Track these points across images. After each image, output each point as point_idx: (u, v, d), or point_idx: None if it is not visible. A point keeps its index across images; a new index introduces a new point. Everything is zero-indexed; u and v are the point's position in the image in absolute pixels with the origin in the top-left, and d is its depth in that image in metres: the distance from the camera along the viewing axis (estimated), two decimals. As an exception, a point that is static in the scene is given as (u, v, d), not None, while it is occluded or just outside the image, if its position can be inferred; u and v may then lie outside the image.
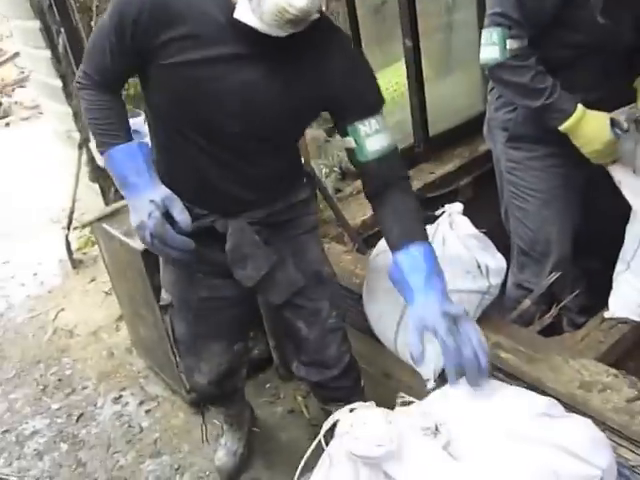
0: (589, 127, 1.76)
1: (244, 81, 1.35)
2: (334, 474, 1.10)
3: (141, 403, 2.54)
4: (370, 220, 2.36)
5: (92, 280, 3.54)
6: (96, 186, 3.30)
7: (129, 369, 2.75)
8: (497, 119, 2.06)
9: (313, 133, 3.66)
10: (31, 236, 4.19)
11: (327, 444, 1.13)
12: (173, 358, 2.28)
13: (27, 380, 2.85)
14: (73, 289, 3.50)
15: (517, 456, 1.07)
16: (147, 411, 2.50)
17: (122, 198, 1.59)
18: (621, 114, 1.78)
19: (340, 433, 1.07)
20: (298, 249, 1.65)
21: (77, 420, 2.54)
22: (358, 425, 1.06)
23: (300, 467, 1.14)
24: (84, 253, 3.82)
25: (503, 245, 1.98)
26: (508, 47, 1.73)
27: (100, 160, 3.06)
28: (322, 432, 1.10)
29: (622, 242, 1.82)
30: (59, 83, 3.29)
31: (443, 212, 1.71)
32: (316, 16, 1.25)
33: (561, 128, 1.77)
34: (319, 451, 1.14)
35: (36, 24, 3.26)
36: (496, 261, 1.66)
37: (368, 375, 2.03)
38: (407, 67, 2.56)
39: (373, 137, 1.41)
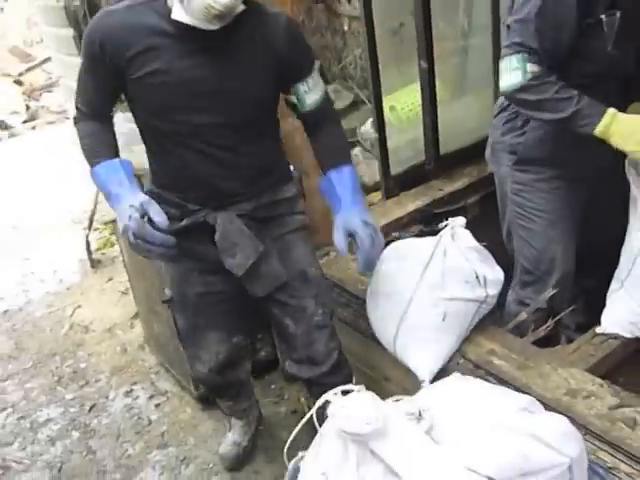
0: (623, 126, 1.74)
1: (202, 76, 1.56)
2: (325, 451, 1.21)
3: (151, 397, 2.65)
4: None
5: (109, 279, 3.66)
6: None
7: (141, 365, 2.86)
8: (504, 143, 2.13)
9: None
10: (53, 235, 4.33)
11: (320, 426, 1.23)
12: (184, 354, 2.39)
13: (43, 371, 2.97)
14: (91, 287, 3.63)
15: (493, 442, 1.17)
16: (156, 405, 2.60)
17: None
18: None
19: (332, 413, 1.17)
20: (283, 248, 1.79)
21: (89, 410, 2.65)
22: (348, 405, 1.17)
23: (289, 441, 1.26)
24: (103, 253, 3.95)
25: (505, 262, 2.08)
26: (529, 70, 1.77)
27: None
28: (314, 409, 1.20)
29: (617, 262, 1.90)
30: (89, 89, 3.43)
31: (446, 225, 1.81)
32: (241, 8, 1.51)
33: (595, 132, 1.75)
34: (311, 435, 1.25)
35: (69, 32, 3.42)
36: (494, 273, 1.76)
37: (369, 378, 2.12)
38: (421, 88, 2.66)
39: (310, 93, 1.71)
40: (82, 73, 1.65)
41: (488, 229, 2.30)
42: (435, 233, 1.82)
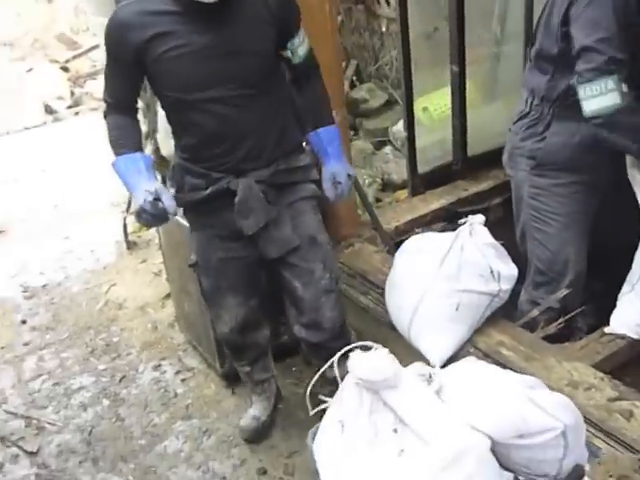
0: None
1: (214, 41, 1.76)
2: (343, 400, 1.37)
3: (178, 372, 2.79)
4: (403, 226, 2.56)
5: (143, 261, 3.82)
6: (157, 175, 3.60)
7: (170, 342, 3.00)
8: (524, 148, 2.21)
9: (360, 145, 3.90)
10: (92, 217, 4.51)
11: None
12: (212, 332, 2.53)
13: (78, 343, 3.13)
14: (126, 267, 3.79)
15: (494, 404, 1.31)
16: (182, 380, 2.74)
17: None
18: None
19: (351, 366, 1.32)
20: (296, 214, 1.99)
21: (120, 381, 2.80)
22: (365, 358, 1.32)
23: (310, 386, 1.44)
24: (139, 236, 4.10)
25: (521, 262, 2.18)
26: (625, 90, 1.79)
27: (164, 149, 3.37)
28: (335, 358, 1.37)
29: (627, 266, 1.98)
30: (134, 78, 3.60)
31: (466, 222, 1.91)
32: None
33: None
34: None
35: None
36: (509, 269, 1.85)
37: (385, 365, 2.23)
38: (452, 92, 2.76)
39: (301, 46, 1.95)
40: (107, 68, 1.87)
41: (510, 230, 2.39)
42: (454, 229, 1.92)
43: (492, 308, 1.86)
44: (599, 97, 1.81)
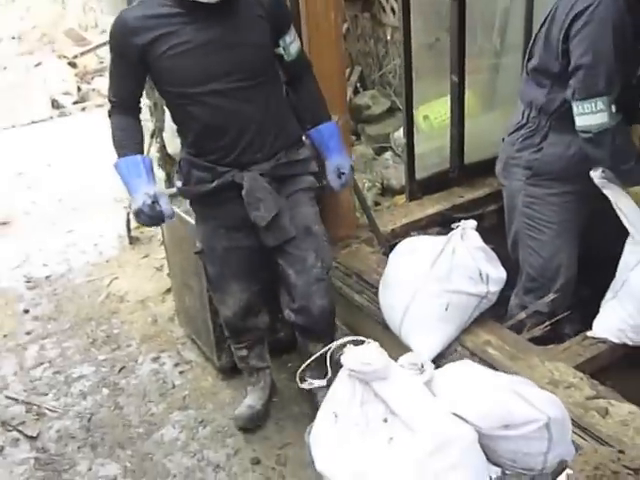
0: None
1: (213, 36, 1.88)
2: (337, 392, 1.46)
3: (176, 365, 2.87)
4: (399, 230, 2.64)
5: (145, 256, 3.90)
6: (161, 173, 3.68)
7: (169, 335, 3.08)
8: (520, 158, 2.29)
9: (362, 150, 3.99)
10: (95, 211, 4.59)
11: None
12: (211, 326, 2.61)
13: (79, 333, 3.21)
14: (128, 262, 3.87)
15: (481, 395, 1.40)
16: (181, 372, 2.82)
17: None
18: None
19: (344, 358, 1.41)
20: (294, 205, 2.11)
21: (119, 371, 2.87)
22: (357, 351, 1.41)
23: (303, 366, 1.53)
24: (141, 232, 4.18)
25: (511, 264, 2.26)
26: (613, 111, 1.92)
27: (170, 147, 3.46)
28: (333, 345, 1.46)
29: (613, 273, 2.06)
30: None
31: (458, 226, 1.99)
32: None
33: (630, 190, 2.00)
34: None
35: (129, 23, 3.68)
36: (497, 272, 1.93)
37: (377, 362, 2.31)
38: (451, 101, 2.85)
39: (293, 43, 2.07)
40: (111, 68, 1.99)
41: (503, 237, 2.48)
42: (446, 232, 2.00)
43: (480, 309, 1.95)
44: (589, 115, 1.93)
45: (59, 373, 2.91)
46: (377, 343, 1.45)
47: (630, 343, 2.04)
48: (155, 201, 1.90)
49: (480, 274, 1.89)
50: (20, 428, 2.58)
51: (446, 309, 1.87)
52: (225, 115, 1.97)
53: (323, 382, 1.56)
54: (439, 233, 2.69)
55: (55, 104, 7.64)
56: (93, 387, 2.79)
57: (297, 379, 1.57)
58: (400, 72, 3.85)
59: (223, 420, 2.51)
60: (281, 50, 2.05)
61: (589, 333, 2.03)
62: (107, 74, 6.91)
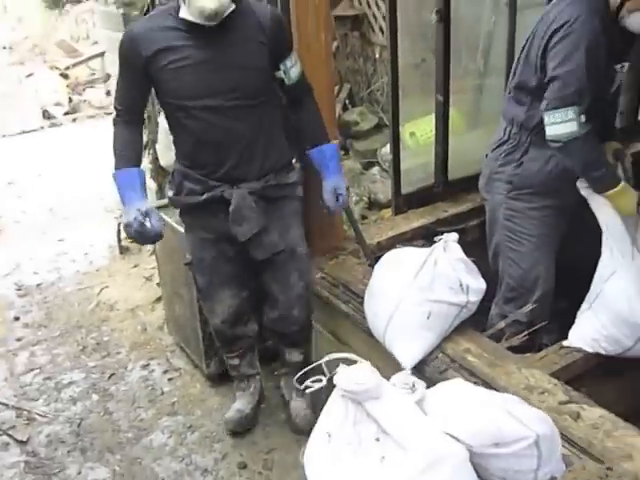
0: (625, 198, 2.10)
1: (212, 56, 1.98)
2: (330, 412, 1.49)
3: (165, 372, 2.93)
4: (385, 242, 2.73)
5: (135, 266, 3.96)
6: (152, 184, 3.75)
7: (159, 343, 3.14)
8: (503, 173, 2.40)
9: (350, 165, 4.09)
10: (86, 221, 4.65)
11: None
12: (200, 334, 2.67)
13: (69, 340, 3.26)
14: (118, 271, 3.92)
15: (472, 414, 1.44)
16: (170, 379, 2.88)
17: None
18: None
19: (337, 379, 1.45)
20: (283, 228, 2.22)
21: (109, 378, 2.93)
22: (350, 371, 1.45)
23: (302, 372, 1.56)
24: (131, 242, 4.23)
25: (491, 276, 2.36)
26: (582, 121, 2.02)
27: (163, 160, 3.53)
28: (325, 359, 1.50)
29: (589, 285, 2.16)
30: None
31: (441, 239, 2.08)
32: (232, 8, 1.94)
33: (605, 194, 2.09)
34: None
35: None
36: (477, 283, 2.02)
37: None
38: (436, 119, 2.95)
39: (293, 67, 2.15)
40: (119, 77, 2.10)
41: (484, 250, 2.57)
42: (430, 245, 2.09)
43: (461, 318, 2.03)
44: (560, 124, 2.05)
45: (49, 379, 2.96)
46: (368, 363, 1.48)
47: (604, 352, 2.13)
48: (146, 216, 2.03)
49: (461, 285, 1.98)
50: (10, 432, 2.63)
51: (428, 318, 1.96)
52: (218, 131, 2.05)
53: (323, 383, 1.55)
54: (424, 246, 2.78)
55: (46, 115, 7.70)
56: (83, 393, 2.84)
57: (294, 382, 1.64)
58: (387, 90, 3.96)
59: (211, 426, 2.57)
60: (282, 74, 2.13)
61: (564, 342, 2.12)
62: (99, 85, 6.98)
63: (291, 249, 2.23)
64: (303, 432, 2.41)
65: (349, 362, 1.53)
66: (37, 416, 2.72)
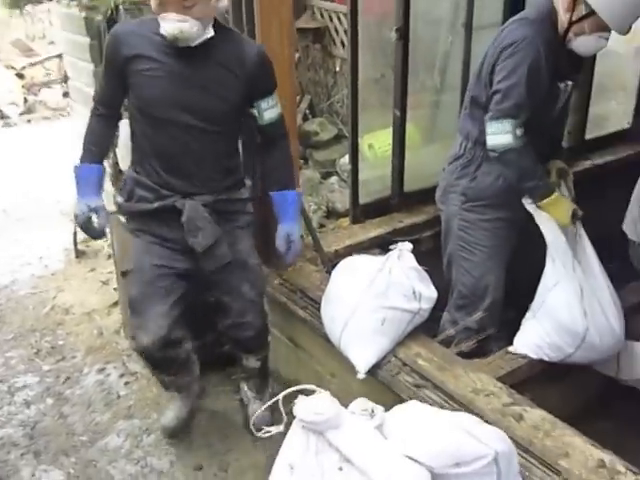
0: (559, 208, 2.26)
1: (183, 76, 2.02)
2: (291, 444, 1.49)
3: (121, 376, 2.93)
4: (342, 250, 2.80)
5: (92, 270, 3.93)
6: (111, 188, 3.73)
7: (115, 347, 3.14)
8: (458, 186, 2.52)
9: (309, 174, 4.16)
10: (41, 224, 4.59)
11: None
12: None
13: (23, 344, 3.22)
14: (74, 275, 3.89)
15: (431, 435, 1.47)
16: (126, 383, 2.88)
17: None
18: None
19: (296, 410, 1.46)
20: (232, 241, 2.23)
21: (64, 382, 2.91)
22: (308, 402, 1.45)
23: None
24: (87, 246, 4.21)
25: (444, 285, 2.46)
26: (518, 134, 2.18)
27: (123, 164, 3.53)
28: (281, 395, 1.50)
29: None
30: (96, 93, 3.76)
31: (396, 248, 2.17)
32: (209, 34, 1.98)
33: (539, 203, 2.25)
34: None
35: (86, 40, 3.76)
36: (429, 291, 2.12)
37: (317, 373, 2.46)
38: (393, 133, 3.05)
39: (269, 110, 2.16)
40: (102, 73, 2.17)
41: (437, 259, 2.68)
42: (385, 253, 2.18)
43: (413, 324, 2.12)
44: (498, 135, 2.19)
45: (2, 382, 2.93)
46: (327, 392, 1.49)
47: (547, 359, 2.26)
48: (95, 213, 2.14)
49: (414, 292, 2.07)
50: (-39, 435, 2.59)
51: (382, 323, 2.04)
52: (175, 145, 2.09)
53: (280, 428, 1.56)
54: (380, 254, 2.87)
55: (0, 114, 7.55)
56: (37, 396, 2.82)
57: (251, 427, 1.69)
58: (347, 102, 4.07)
59: (167, 429, 2.59)
60: (254, 112, 2.16)
61: (510, 348, 2.24)
62: (54, 86, 6.93)
63: (243, 260, 2.25)
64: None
65: (308, 392, 1.52)
66: (-11, 420, 2.69)
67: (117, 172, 3.58)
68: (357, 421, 1.49)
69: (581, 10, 2.16)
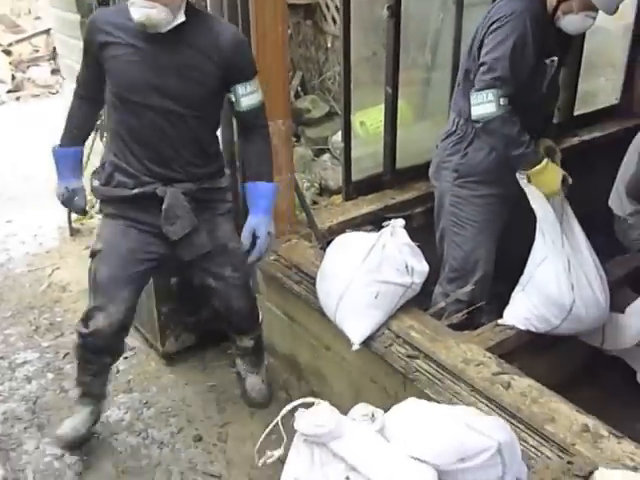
0: (549, 175, 2.30)
1: (157, 62, 2.00)
2: (295, 458, 1.50)
3: (120, 351, 2.99)
4: (336, 227, 2.86)
5: (87, 247, 3.90)
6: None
7: (113, 323, 3.18)
8: (450, 162, 2.58)
9: (301, 151, 4.19)
10: (34, 202, 4.60)
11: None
12: (155, 314, 2.75)
13: (21, 321, 3.27)
14: (69, 253, 3.92)
15: (433, 433, 1.48)
16: (125, 358, 2.91)
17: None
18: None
19: (297, 425, 1.46)
20: (212, 227, 2.24)
21: (63, 357, 2.96)
22: (309, 415, 1.46)
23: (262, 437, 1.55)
24: (82, 224, 4.24)
25: (436, 260, 2.52)
26: (502, 103, 2.22)
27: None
28: (284, 411, 1.49)
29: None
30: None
31: (389, 224, 2.22)
32: (180, 20, 1.95)
33: (530, 172, 2.28)
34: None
35: (76, 17, 3.75)
36: (421, 266, 2.18)
37: (313, 347, 2.53)
38: (385, 110, 3.09)
39: (247, 96, 2.11)
40: (82, 59, 2.17)
41: (428, 235, 2.74)
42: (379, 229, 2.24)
43: (406, 297, 2.19)
44: (482, 105, 2.24)
45: (2, 359, 2.98)
46: (327, 403, 1.49)
47: (534, 330, 2.34)
48: (74, 195, 2.25)
49: (406, 267, 2.13)
50: (-36, 411, 2.65)
51: (376, 297, 2.10)
52: (151, 130, 2.07)
53: (281, 451, 1.52)
54: (372, 231, 2.93)
55: (-12, 92, 7.49)
56: (38, 372, 2.88)
57: (255, 454, 1.54)
58: (340, 80, 4.09)
59: (167, 402, 2.66)
60: (232, 97, 2.12)
61: (499, 321, 2.32)
62: (42, 63, 6.87)
63: (222, 244, 2.25)
64: (260, 406, 2.56)
65: (307, 405, 1.50)
66: (-9, 395, 2.74)
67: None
68: (358, 427, 1.49)
69: None
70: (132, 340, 3.04)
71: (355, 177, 3.15)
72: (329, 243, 2.81)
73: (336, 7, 4.35)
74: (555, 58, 2.38)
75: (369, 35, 3.20)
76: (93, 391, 2.39)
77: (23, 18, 9.94)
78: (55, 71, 7.65)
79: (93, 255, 2.25)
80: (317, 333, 2.47)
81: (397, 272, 2.11)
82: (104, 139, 3.49)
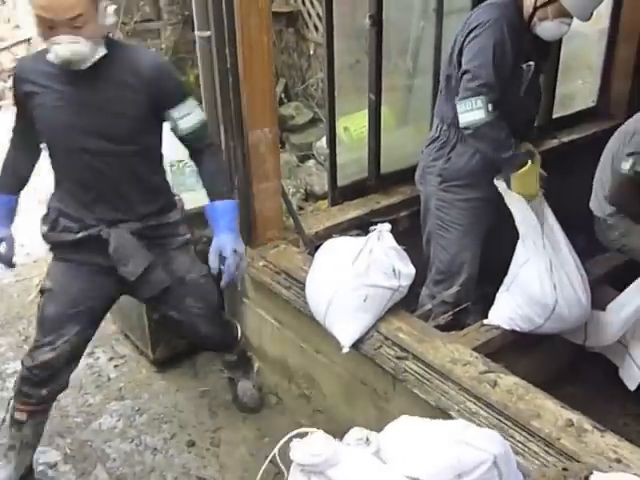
0: (531, 177, 2.38)
1: (81, 104, 1.93)
2: None
3: (111, 359, 3.01)
4: (323, 232, 2.90)
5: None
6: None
7: (102, 331, 3.14)
8: (434, 167, 2.64)
9: (286, 158, 4.24)
10: (19, 212, 4.58)
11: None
12: (146, 321, 2.78)
13: (10, 331, 3.27)
14: (56, 262, 3.93)
15: (429, 451, 1.50)
16: (115, 366, 2.96)
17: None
18: None
19: (293, 455, 1.46)
20: (167, 261, 2.17)
21: (54, 366, 2.98)
22: (304, 445, 1.46)
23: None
24: (68, 233, 4.25)
25: (422, 263, 2.58)
26: (490, 109, 2.28)
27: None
28: (279, 444, 1.50)
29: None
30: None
31: (375, 229, 2.27)
32: (101, 53, 1.87)
33: (513, 175, 2.36)
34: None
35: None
36: (408, 269, 2.23)
37: (303, 351, 2.57)
38: (369, 117, 3.15)
39: (183, 119, 2.05)
40: (15, 106, 2.09)
41: (414, 238, 2.79)
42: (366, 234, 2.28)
43: (394, 300, 2.24)
44: (470, 112, 2.30)
45: (-8, 369, 2.99)
46: (321, 431, 1.49)
47: (519, 329, 2.40)
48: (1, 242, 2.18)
49: (393, 270, 2.18)
50: (-44, 421, 2.64)
51: (364, 300, 2.15)
52: (91, 173, 2.00)
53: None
54: (358, 235, 2.97)
55: (-30, 102, 7.45)
56: (28, 382, 2.88)
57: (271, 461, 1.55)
58: (323, 87, 4.14)
59: (159, 408, 2.69)
60: (170, 124, 2.06)
61: (485, 321, 2.38)
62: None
63: (179, 277, 2.18)
64: (251, 411, 2.59)
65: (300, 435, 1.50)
66: (-18, 405, 2.74)
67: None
68: (354, 452, 1.49)
69: None
70: (122, 348, 3.07)
71: (340, 182, 3.19)
72: (317, 248, 2.86)
73: (318, 15, 4.42)
74: (532, 63, 2.45)
75: (352, 43, 3.26)
76: (23, 437, 2.25)
77: (3, 27, 9.90)
78: (37, 80, 7.62)
79: (42, 292, 2.19)
80: (307, 337, 2.51)
81: (385, 276, 2.16)
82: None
